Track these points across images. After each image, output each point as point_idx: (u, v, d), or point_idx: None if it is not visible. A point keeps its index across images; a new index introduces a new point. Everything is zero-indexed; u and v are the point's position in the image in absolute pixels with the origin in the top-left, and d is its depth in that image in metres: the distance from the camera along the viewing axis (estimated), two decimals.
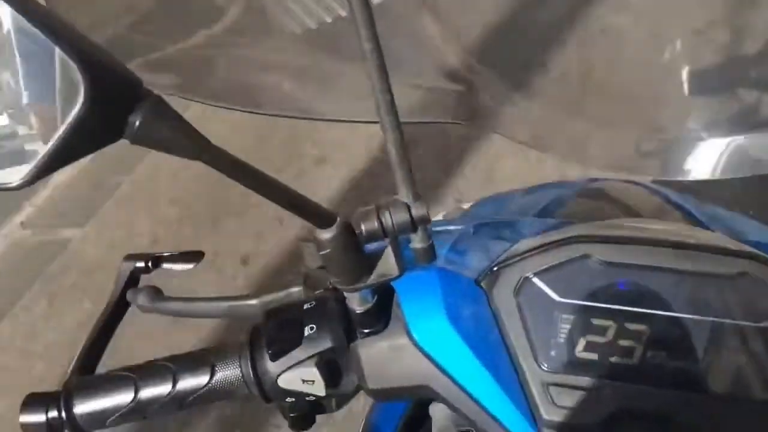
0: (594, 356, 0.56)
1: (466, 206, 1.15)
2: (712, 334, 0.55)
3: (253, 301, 0.69)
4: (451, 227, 0.71)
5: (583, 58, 0.68)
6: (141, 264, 0.76)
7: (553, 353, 0.56)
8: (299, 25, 0.58)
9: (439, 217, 0.95)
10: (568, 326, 0.56)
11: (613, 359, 0.55)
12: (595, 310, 0.56)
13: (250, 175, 0.47)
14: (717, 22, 0.70)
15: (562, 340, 0.56)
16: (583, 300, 0.57)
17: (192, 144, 0.44)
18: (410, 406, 0.77)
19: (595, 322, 0.56)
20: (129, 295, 0.74)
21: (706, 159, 0.65)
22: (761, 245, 0.61)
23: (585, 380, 0.55)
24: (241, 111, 0.67)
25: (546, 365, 0.56)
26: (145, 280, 0.76)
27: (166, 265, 0.77)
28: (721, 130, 0.63)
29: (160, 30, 0.70)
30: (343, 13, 0.56)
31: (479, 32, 0.66)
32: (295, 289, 0.68)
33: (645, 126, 0.73)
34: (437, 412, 0.70)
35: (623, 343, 0.56)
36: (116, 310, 0.74)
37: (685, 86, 0.71)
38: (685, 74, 0.72)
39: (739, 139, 0.64)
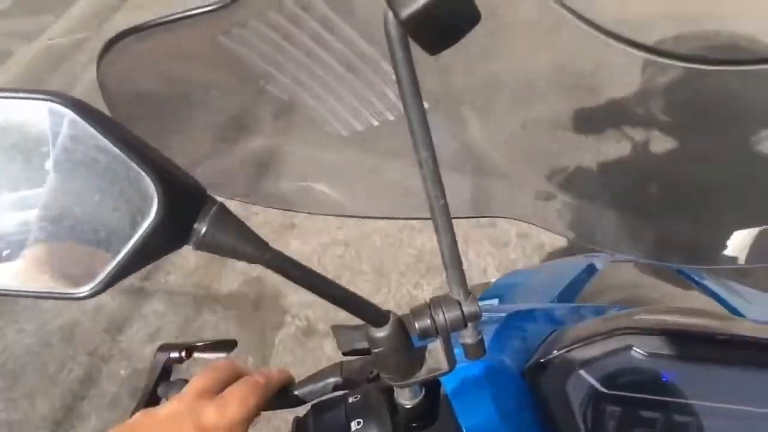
0: None
1: (492, 281, 1.17)
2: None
3: (292, 392, 0.69)
4: (487, 316, 0.72)
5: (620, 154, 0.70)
6: (175, 354, 0.75)
7: None
8: (346, 128, 0.60)
9: None
10: (616, 418, 0.56)
11: None
12: (642, 401, 0.56)
13: (308, 276, 0.48)
14: None
15: None
16: (629, 392, 0.57)
17: (253, 249, 0.46)
18: None
19: (644, 414, 0.56)
20: (161, 390, 0.72)
21: (737, 247, 0.66)
22: None
23: None
24: (292, 211, 0.68)
25: None
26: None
27: (198, 355, 0.77)
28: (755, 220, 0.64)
29: (207, 136, 0.72)
30: (391, 117, 0.59)
31: (518, 130, 0.68)
32: (333, 380, 0.68)
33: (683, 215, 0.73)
34: None
35: None
36: (149, 404, 0.73)
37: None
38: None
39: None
